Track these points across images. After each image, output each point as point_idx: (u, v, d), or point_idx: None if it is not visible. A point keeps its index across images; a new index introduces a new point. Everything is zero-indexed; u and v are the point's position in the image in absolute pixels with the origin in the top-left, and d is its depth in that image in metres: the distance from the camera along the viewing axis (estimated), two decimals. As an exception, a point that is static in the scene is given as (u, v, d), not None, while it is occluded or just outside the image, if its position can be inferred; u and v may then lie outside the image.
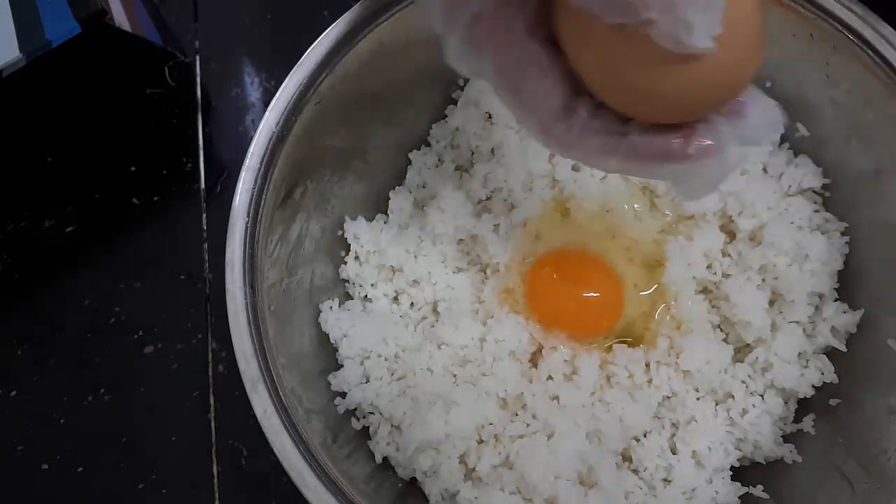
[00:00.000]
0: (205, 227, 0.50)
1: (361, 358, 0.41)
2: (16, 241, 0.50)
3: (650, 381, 0.40)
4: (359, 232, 0.44)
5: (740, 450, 0.40)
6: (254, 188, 0.35)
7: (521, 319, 0.41)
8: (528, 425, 0.39)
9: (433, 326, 0.42)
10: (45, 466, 0.45)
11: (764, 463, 0.40)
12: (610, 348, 0.41)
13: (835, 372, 0.40)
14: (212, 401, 0.46)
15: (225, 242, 0.34)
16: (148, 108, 0.53)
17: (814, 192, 0.42)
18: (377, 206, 0.46)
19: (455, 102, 0.45)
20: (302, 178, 0.39)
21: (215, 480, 0.45)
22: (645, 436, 0.40)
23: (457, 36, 0.26)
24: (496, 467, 0.39)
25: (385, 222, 0.45)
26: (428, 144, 0.46)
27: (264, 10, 0.55)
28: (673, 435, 0.40)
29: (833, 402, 0.40)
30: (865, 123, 0.39)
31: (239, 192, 0.35)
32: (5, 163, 0.51)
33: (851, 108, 0.39)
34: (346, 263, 0.44)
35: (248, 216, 0.35)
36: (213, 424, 0.46)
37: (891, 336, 0.38)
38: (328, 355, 0.42)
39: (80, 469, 0.45)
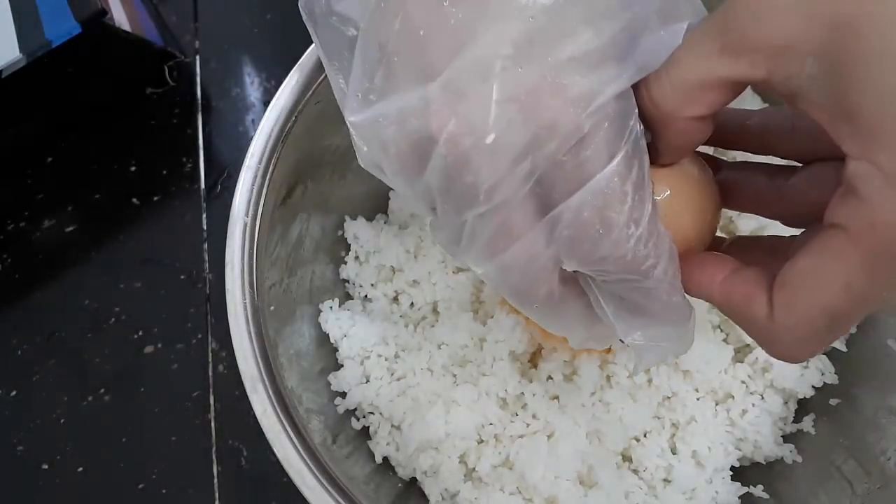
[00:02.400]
0: (205, 227, 0.50)
1: (361, 358, 0.41)
2: (16, 241, 0.50)
3: (650, 381, 0.40)
4: (359, 232, 0.44)
5: (740, 450, 0.40)
6: (254, 188, 0.35)
7: (521, 320, 0.41)
8: (528, 425, 0.39)
9: (433, 326, 0.42)
10: (45, 466, 0.45)
11: (764, 463, 0.40)
12: (610, 348, 0.41)
13: (835, 372, 0.40)
14: (212, 401, 0.46)
15: (225, 242, 0.34)
16: (148, 108, 0.53)
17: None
18: (377, 206, 0.46)
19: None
20: (302, 178, 0.39)
21: (215, 480, 0.45)
22: (645, 436, 0.39)
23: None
24: (496, 467, 0.39)
25: (385, 222, 0.45)
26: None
27: (264, 10, 0.55)
28: (673, 435, 0.40)
29: (833, 402, 0.40)
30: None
31: (239, 192, 0.35)
32: (5, 163, 0.51)
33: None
34: (346, 263, 0.44)
35: (248, 216, 0.35)
36: (213, 424, 0.46)
37: (891, 336, 0.38)
38: (328, 355, 0.42)
39: (80, 469, 0.45)
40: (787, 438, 0.40)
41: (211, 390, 0.46)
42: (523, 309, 0.24)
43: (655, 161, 0.23)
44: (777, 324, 0.20)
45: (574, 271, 0.23)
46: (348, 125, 0.22)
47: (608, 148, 0.20)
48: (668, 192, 0.23)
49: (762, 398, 0.40)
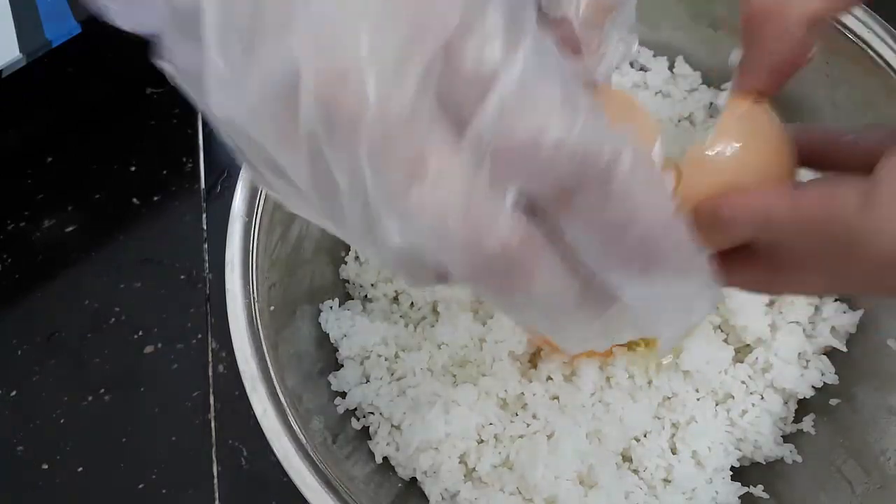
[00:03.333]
0: (205, 227, 0.50)
1: (361, 358, 0.41)
2: (16, 241, 0.50)
3: (650, 382, 0.40)
4: (359, 232, 0.44)
5: (740, 450, 0.40)
6: (253, 188, 0.35)
7: (521, 319, 0.41)
8: (528, 425, 0.39)
9: (433, 326, 0.42)
10: (45, 466, 0.45)
11: (764, 463, 0.40)
12: (611, 351, 0.41)
13: (835, 372, 0.40)
14: (212, 401, 0.46)
15: (225, 242, 0.34)
16: (148, 108, 0.53)
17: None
18: (377, 207, 0.46)
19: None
20: (302, 178, 0.39)
21: (215, 480, 0.44)
22: (645, 436, 0.39)
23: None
24: (496, 467, 0.39)
25: (385, 222, 0.45)
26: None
27: (264, 10, 0.55)
28: (673, 435, 0.40)
29: (833, 402, 0.40)
30: (864, 124, 0.39)
31: (239, 192, 0.35)
32: (5, 163, 0.51)
33: (851, 109, 0.39)
34: (346, 263, 0.44)
35: (247, 216, 0.35)
36: (213, 424, 0.46)
37: (891, 336, 0.38)
38: (328, 355, 0.42)
39: (80, 469, 0.45)
40: (787, 438, 0.40)
41: (211, 390, 0.46)
42: (483, 291, 0.18)
43: (740, 87, 0.20)
44: (877, 211, 0.17)
45: (534, 224, 0.18)
46: (214, 121, 0.18)
47: (505, 38, 0.16)
48: (738, 146, 0.20)
49: (762, 398, 0.40)
